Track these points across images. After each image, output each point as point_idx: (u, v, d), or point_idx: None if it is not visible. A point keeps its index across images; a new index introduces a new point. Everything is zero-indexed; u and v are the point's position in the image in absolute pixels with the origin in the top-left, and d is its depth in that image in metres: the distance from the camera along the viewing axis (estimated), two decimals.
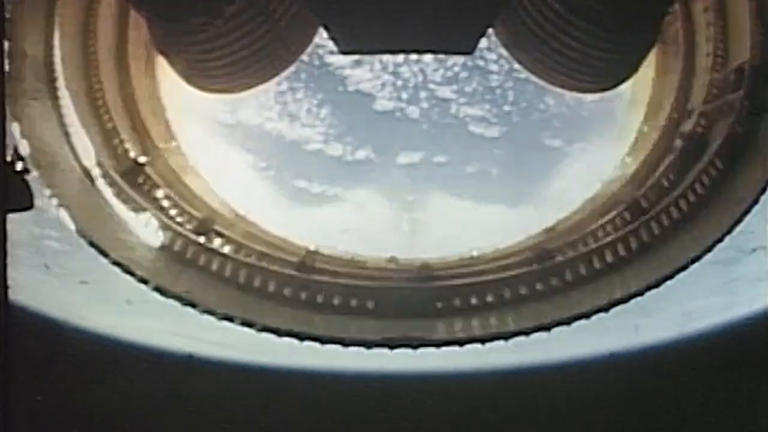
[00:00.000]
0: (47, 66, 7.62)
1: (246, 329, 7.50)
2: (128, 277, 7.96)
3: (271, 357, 9.28)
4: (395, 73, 12.65)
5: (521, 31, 8.69)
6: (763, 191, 7.07)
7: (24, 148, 7.00)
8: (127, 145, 8.03)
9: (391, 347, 6.90)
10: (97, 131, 7.89)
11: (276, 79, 9.34)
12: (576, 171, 10.44)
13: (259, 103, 11.18)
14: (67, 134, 7.56)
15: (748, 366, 7.95)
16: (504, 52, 9.41)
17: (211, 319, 7.61)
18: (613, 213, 7.97)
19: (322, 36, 8.93)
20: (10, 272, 6.28)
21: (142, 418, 8.24)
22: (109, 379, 8.46)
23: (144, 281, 7.00)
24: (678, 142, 8.23)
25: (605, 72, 8.74)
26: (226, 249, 7.60)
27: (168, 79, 9.06)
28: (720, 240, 7.13)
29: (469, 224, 10.83)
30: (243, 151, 10.88)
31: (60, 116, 7.58)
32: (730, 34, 8.09)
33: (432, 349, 7.43)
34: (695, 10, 8.72)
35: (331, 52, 11.78)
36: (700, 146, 7.88)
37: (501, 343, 7.41)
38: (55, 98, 7.59)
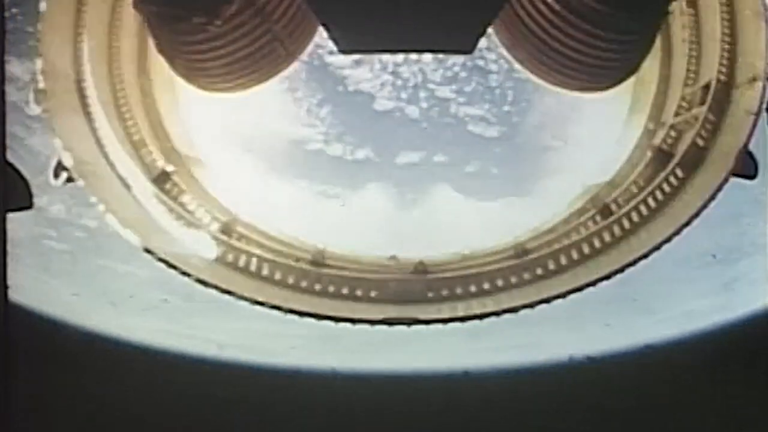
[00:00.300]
0: (78, 82, 8.27)
1: (243, 329, 8.36)
2: (127, 278, 8.67)
3: (269, 357, 9.33)
4: (395, 73, 12.64)
5: (521, 31, 8.70)
6: (713, 197, 7.81)
7: (68, 160, 7.77)
8: (155, 155, 8.73)
9: (390, 325, 7.87)
10: (126, 141, 8.60)
11: (276, 79, 9.35)
12: (574, 171, 10.42)
13: (259, 103, 11.16)
14: (101, 145, 8.23)
15: (748, 366, 7.98)
16: (504, 52, 9.41)
17: (209, 320, 8.07)
18: (588, 215, 8.74)
19: (322, 36, 8.92)
20: (10, 272, 6.32)
21: (141, 418, 8.26)
22: (109, 379, 8.48)
23: (186, 274, 7.78)
24: (649, 152, 8.92)
25: (605, 72, 8.76)
26: (248, 247, 8.42)
27: (184, 87, 9.21)
28: (668, 240, 7.86)
29: (468, 223, 10.84)
30: (243, 151, 10.88)
31: (93, 129, 8.25)
32: (702, 50, 8.75)
33: (431, 350, 8.41)
34: (673, 26, 9.15)
35: (331, 52, 11.77)
36: (667, 156, 8.63)
37: (498, 341, 8.38)
38: (87, 113, 8.26)
